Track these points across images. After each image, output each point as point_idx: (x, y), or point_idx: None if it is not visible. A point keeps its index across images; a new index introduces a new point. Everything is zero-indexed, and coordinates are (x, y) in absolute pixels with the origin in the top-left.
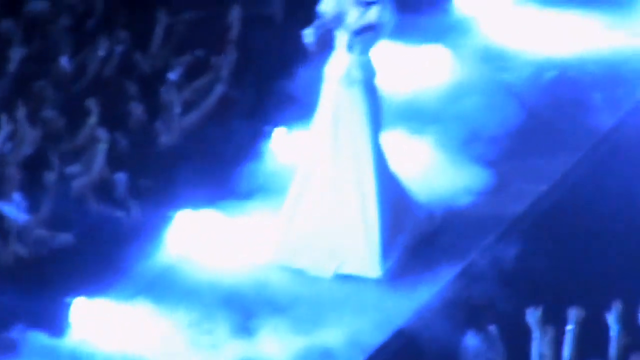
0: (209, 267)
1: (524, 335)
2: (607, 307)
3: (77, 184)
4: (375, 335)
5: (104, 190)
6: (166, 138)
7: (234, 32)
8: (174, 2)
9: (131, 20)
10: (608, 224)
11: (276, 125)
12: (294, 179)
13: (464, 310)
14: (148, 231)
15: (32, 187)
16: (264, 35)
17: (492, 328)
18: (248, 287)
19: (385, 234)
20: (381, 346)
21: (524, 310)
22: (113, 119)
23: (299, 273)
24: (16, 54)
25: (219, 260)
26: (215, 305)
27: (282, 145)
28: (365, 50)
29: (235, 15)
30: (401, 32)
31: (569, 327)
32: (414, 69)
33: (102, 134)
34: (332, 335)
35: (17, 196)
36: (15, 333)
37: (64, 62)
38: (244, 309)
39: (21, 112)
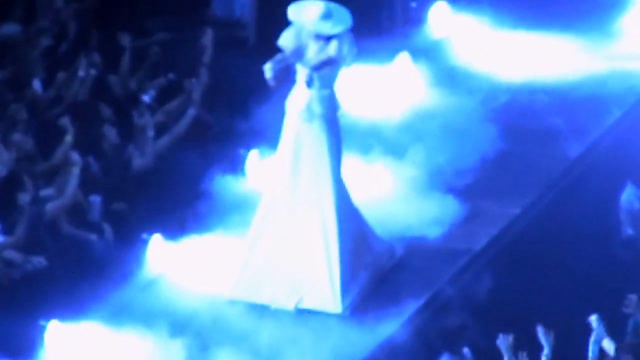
0: (174, 294)
1: None
2: (577, 330)
3: (51, 207)
4: None
5: (77, 213)
6: (139, 162)
7: (207, 55)
8: (147, 26)
9: (104, 44)
10: (573, 250)
11: (249, 148)
12: (256, 213)
13: (427, 342)
14: (121, 254)
15: (5, 210)
16: (237, 58)
17: (466, 351)
18: (207, 317)
19: (347, 268)
20: None
21: (491, 339)
22: (87, 142)
23: (259, 306)
24: None
25: (184, 287)
26: (173, 334)
27: (254, 168)
28: (325, 85)
29: (207, 38)
30: (373, 53)
31: (545, 352)
32: (384, 90)
33: (75, 157)
34: None
35: None
36: None
37: (37, 85)
38: (201, 339)
39: None
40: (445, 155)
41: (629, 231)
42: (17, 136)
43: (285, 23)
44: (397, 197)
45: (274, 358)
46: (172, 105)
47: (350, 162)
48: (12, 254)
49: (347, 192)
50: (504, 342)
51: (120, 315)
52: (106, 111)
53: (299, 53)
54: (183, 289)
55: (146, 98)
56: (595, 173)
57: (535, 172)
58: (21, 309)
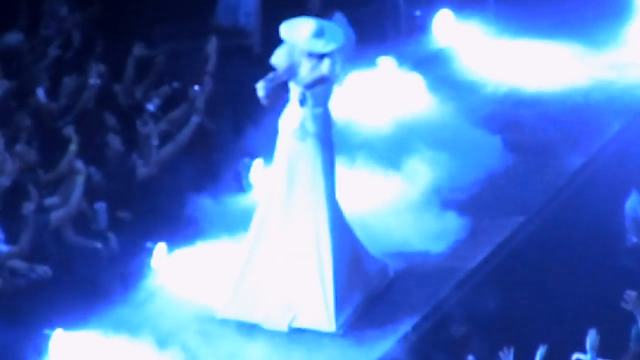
0: (178, 303)
1: None
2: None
3: (55, 216)
4: None
5: (82, 222)
6: (143, 171)
7: (211, 64)
8: (152, 34)
9: (108, 53)
10: (578, 259)
11: (253, 157)
12: (249, 232)
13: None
14: (126, 262)
15: (10, 219)
16: (242, 66)
17: (471, 358)
18: (198, 338)
19: (340, 287)
20: None
21: (492, 354)
22: (91, 151)
23: (252, 326)
24: (0, 88)
25: (188, 296)
26: (177, 344)
27: (259, 177)
28: (318, 103)
29: (212, 46)
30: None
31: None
32: (389, 97)
33: (80, 166)
34: None
35: None
36: None
37: (41, 94)
38: (194, 351)
39: (0, 143)
40: (446, 167)
41: (634, 239)
42: (20, 146)
43: None
44: (395, 211)
45: None
46: (176, 113)
47: (348, 172)
48: (17, 263)
49: (341, 211)
50: (506, 358)
51: (124, 325)
52: (111, 120)
53: (291, 71)
54: (187, 298)
55: (150, 107)
56: (599, 181)
57: (538, 183)
58: (26, 318)
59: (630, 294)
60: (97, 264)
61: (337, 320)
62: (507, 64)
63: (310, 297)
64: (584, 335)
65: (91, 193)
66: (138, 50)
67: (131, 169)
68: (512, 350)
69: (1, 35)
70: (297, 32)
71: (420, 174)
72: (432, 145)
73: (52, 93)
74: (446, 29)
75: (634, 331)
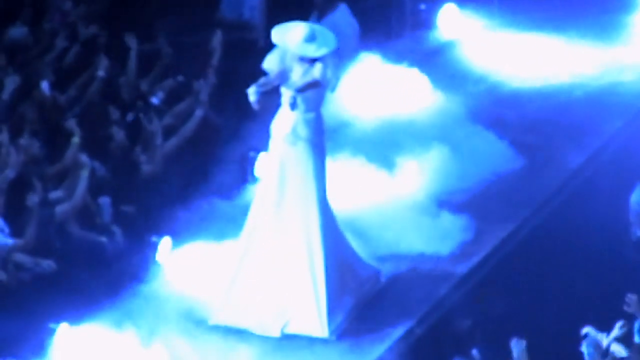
0: (182, 297)
1: None
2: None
3: (60, 210)
4: None
5: (86, 216)
6: (148, 168)
7: (216, 58)
8: (156, 28)
9: (113, 46)
10: (583, 253)
11: (258, 150)
12: (241, 237)
13: None
14: (131, 256)
15: (14, 213)
16: (246, 59)
17: (475, 352)
18: (204, 332)
19: (333, 292)
20: None
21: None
22: (95, 145)
23: (244, 332)
24: (10, 83)
25: (193, 290)
26: (182, 337)
27: (264, 170)
28: (310, 108)
29: (217, 40)
30: (382, 56)
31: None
32: (396, 93)
33: (84, 159)
34: None
35: (0, 221)
36: None
37: (45, 87)
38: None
39: (4, 137)
40: (446, 164)
41: (639, 233)
42: (25, 139)
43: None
44: (390, 211)
45: None
46: (181, 107)
47: (345, 170)
48: (21, 257)
49: (332, 216)
50: (517, 346)
51: (129, 318)
52: (114, 114)
53: (283, 76)
54: (192, 292)
55: (154, 100)
56: (604, 175)
57: (542, 177)
58: (30, 312)
59: (632, 297)
60: (101, 258)
61: (329, 325)
62: (511, 57)
63: (302, 302)
64: (590, 325)
65: (96, 187)
66: (131, 42)
67: (135, 163)
68: (524, 341)
69: (6, 29)
70: (289, 37)
71: (419, 172)
72: (433, 143)
73: (57, 86)
74: (451, 23)
75: (637, 325)
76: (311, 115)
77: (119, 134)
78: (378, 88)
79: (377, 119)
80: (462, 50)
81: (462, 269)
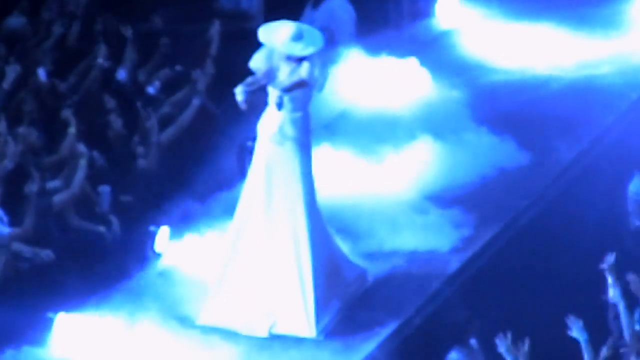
0: (181, 286)
1: None
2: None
3: (58, 199)
4: None
5: (85, 205)
6: (143, 163)
7: (214, 47)
8: (154, 17)
9: (111, 35)
10: (580, 242)
11: (255, 140)
12: (227, 237)
13: None
14: (129, 246)
15: (13, 202)
16: (244, 49)
17: (474, 342)
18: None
19: (320, 293)
20: None
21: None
22: (93, 134)
23: (231, 332)
24: (11, 72)
25: (191, 280)
26: (180, 326)
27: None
28: (297, 107)
29: (215, 30)
30: (381, 46)
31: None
32: (393, 83)
33: (82, 148)
34: None
35: None
36: None
37: (42, 75)
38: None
39: (3, 126)
40: (443, 157)
41: (637, 222)
42: (23, 128)
43: (292, 15)
44: (385, 206)
45: None
46: (178, 96)
47: (342, 159)
48: (20, 247)
49: (320, 215)
50: (502, 343)
51: (127, 307)
52: (110, 102)
53: (270, 75)
54: (190, 282)
55: (151, 90)
56: (603, 164)
57: (540, 167)
58: (29, 301)
59: (632, 277)
60: (100, 247)
61: (317, 325)
62: (510, 47)
63: (290, 302)
64: (588, 319)
65: (94, 176)
66: (127, 32)
67: (133, 152)
68: (509, 336)
69: (4, 19)
70: (276, 36)
71: (412, 166)
72: (428, 135)
73: (56, 75)
74: (449, 12)
75: (637, 314)
76: (298, 114)
77: (117, 123)
78: (374, 78)
79: (373, 110)
80: (460, 40)
81: (457, 263)
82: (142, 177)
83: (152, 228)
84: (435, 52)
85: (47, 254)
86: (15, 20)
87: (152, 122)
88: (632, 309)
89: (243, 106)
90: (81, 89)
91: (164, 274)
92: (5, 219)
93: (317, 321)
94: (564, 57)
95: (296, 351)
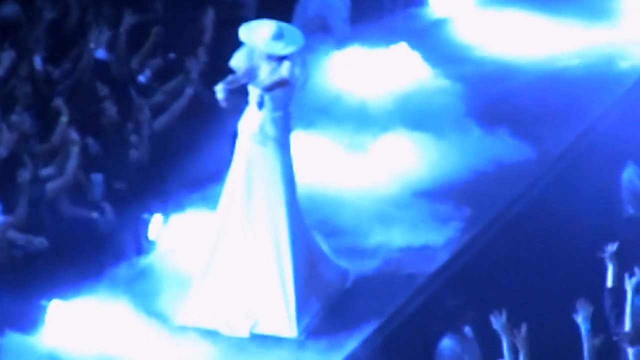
0: (174, 273)
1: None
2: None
3: (51, 187)
4: None
5: (78, 193)
6: (135, 153)
7: (208, 35)
8: (148, 5)
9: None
10: (574, 230)
11: None
12: (208, 237)
13: None
14: (122, 234)
15: (6, 190)
16: (237, 37)
17: (468, 330)
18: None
19: (300, 293)
20: None
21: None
22: (87, 121)
23: (212, 333)
24: (6, 58)
25: (185, 266)
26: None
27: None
28: (278, 107)
29: (209, 17)
30: (375, 35)
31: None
32: (389, 71)
33: (74, 136)
34: None
35: None
36: None
37: (38, 62)
38: None
39: None
40: (434, 147)
41: (630, 210)
42: (16, 116)
43: (286, 3)
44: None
45: None
46: (172, 84)
47: (331, 147)
48: (13, 234)
49: (301, 215)
50: (498, 322)
51: (121, 294)
52: (104, 90)
53: (251, 74)
54: (184, 268)
55: (142, 78)
56: (596, 152)
57: (534, 155)
58: (23, 289)
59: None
60: (93, 235)
61: (298, 325)
62: (504, 35)
63: (270, 302)
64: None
65: (88, 164)
66: (129, 18)
67: (127, 140)
68: (504, 314)
69: None
70: (256, 35)
71: (400, 156)
72: (418, 125)
73: (50, 62)
74: (443, 0)
75: (636, 304)
76: (279, 114)
77: (111, 110)
78: (367, 66)
79: (365, 98)
80: (453, 28)
81: (446, 257)
82: (136, 166)
83: (145, 216)
84: (428, 40)
85: (40, 241)
86: (9, 8)
87: (145, 115)
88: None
89: (224, 104)
90: (74, 75)
91: (157, 261)
92: None
93: (298, 321)
94: (556, 46)
95: (279, 351)
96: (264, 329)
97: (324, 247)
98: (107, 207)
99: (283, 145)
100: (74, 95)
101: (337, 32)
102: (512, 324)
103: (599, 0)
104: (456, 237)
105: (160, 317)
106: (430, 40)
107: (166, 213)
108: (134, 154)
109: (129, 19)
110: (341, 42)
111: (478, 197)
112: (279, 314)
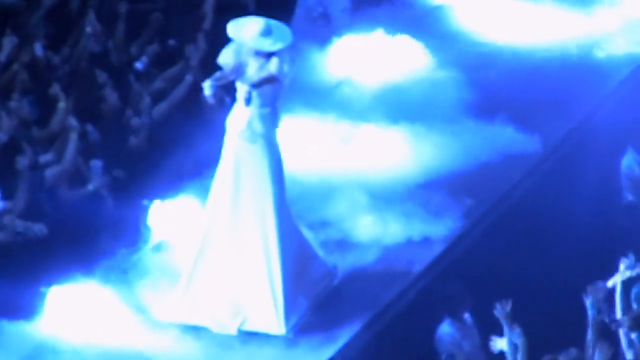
0: (174, 260)
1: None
2: (576, 297)
3: (50, 173)
4: None
5: (77, 179)
6: (134, 141)
7: (207, 22)
8: None
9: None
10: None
11: None
12: (196, 235)
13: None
14: (122, 221)
15: (5, 177)
16: None
17: (467, 316)
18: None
19: (290, 290)
20: None
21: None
22: (86, 108)
23: (201, 330)
24: (8, 44)
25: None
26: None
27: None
28: (265, 103)
29: (208, 4)
30: (373, 21)
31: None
32: (388, 60)
33: (73, 122)
34: None
35: None
36: None
37: (38, 49)
38: None
39: None
40: (432, 138)
41: (630, 197)
42: (15, 102)
43: None
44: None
45: None
46: (171, 72)
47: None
48: (12, 221)
49: (289, 212)
50: (501, 311)
51: (120, 282)
52: (102, 76)
53: (239, 70)
54: (184, 254)
55: (139, 65)
56: (595, 139)
57: (534, 142)
58: (22, 275)
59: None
60: (92, 222)
61: (287, 323)
62: (503, 21)
63: (259, 299)
64: (580, 292)
65: (87, 150)
66: (122, 6)
67: (127, 127)
68: (510, 302)
69: None
70: (244, 31)
71: (398, 145)
72: (416, 115)
73: (49, 48)
74: None
75: (634, 291)
76: (267, 110)
77: (111, 97)
78: (368, 53)
79: (364, 86)
80: (452, 15)
81: (448, 241)
82: (135, 153)
83: (144, 202)
84: (426, 27)
85: (39, 228)
86: None
87: (144, 102)
88: (628, 287)
89: (211, 101)
90: (72, 60)
91: (156, 247)
92: None
93: (287, 318)
94: (556, 30)
95: (269, 348)
96: (252, 326)
97: (313, 243)
98: (106, 194)
99: (271, 142)
100: (73, 82)
101: (336, 20)
102: (512, 311)
103: None
104: (454, 228)
105: (151, 310)
106: (429, 28)
107: (165, 200)
108: (133, 140)
109: (125, 7)
110: (340, 29)
111: (476, 187)
112: (268, 311)
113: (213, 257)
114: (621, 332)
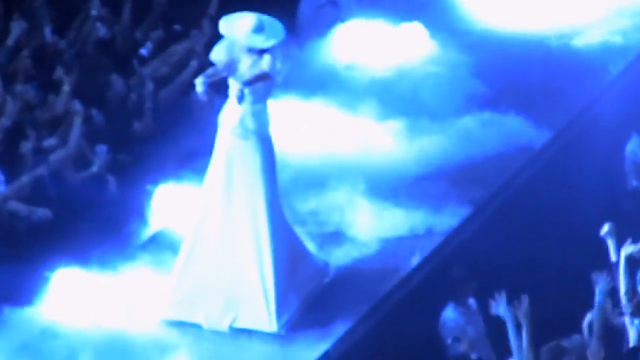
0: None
1: None
2: (579, 283)
3: (54, 158)
4: None
5: (81, 164)
6: (139, 126)
7: (213, 7)
8: None
9: None
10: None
11: None
12: (187, 231)
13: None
14: (126, 205)
15: (9, 161)
16: (242, 9)
17: (472, 301)
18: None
19: (281, 287)
20: None
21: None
22: (91, 92)
23: (192, 327)
24: (16, 28)
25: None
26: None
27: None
28: (258, 100)
29: None
30: (381, 10)
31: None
32: (392, 47)
33: (77, 106)
34: None
35: None
36: None
37: (47, 33)
38: None
39: None
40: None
41: (634, 182)
42: (20, 86)
43: None
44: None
45: None
46: (175, 57)
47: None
48: (16, 205)
49: (281, 210)
50: (498, 305)
51: (124, 267)
52: (105, 61)
53: (231, 67)
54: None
55: (143, 51)
56: (599, 125)
57: (539, 126)
58: (26, 259)
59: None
60: (96, 206)
61: (278, 320)
62: (510, 9)
63: (250, 297)
64: (585, 278)
65: (92, 135)
66: None
67: (131, 111)
68: (503, 294)
69: None
70: (237, 28)
71: (400, 135)
72: (416, 106)
73: (55, 32)
74: None
75: (638, 276)
76: (259, 107)
77: (117, 83)
78: (373, 40)
79: (370, 72)
80: (459, 2)
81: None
82: (140, 137)
83: (149, 187)
84: (434, 13)
85: (43, 212)
86: None
87: (149, 86)
88: (633, 271)
89: (203, 97)
90: (77, 43)
91: (160, 233)
92: (1, 177)
93: (279, 315)
94: (561, 16)
95: (256, 346)
96: (243, 323)
97: (305, 241)
98: (111, 178)
99: (263, 139)
100: (78, 66)
101: (343, 4)
102: (515, 298)
103: None
104: (458, 218)
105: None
106: (435, 15)
107: (170, 184)
108: (137, 125)
109: None
110: (347, 14)
111: (480, 177)
112: (259, 308)
113: (204, 254)
114: (626, 319)
